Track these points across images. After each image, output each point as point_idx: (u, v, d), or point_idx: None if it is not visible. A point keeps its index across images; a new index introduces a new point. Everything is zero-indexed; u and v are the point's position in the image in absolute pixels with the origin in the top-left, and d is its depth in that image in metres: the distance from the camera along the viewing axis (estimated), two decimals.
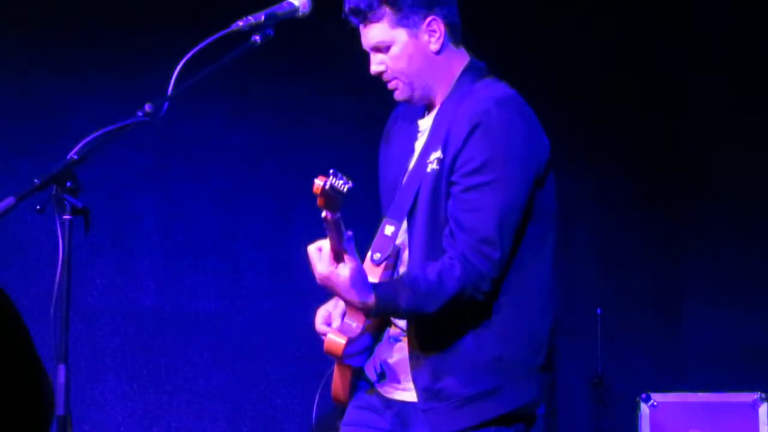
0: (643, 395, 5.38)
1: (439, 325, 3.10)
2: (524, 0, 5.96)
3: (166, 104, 2.98)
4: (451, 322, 3.09)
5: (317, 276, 3.10)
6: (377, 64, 3.22)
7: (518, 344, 3.10)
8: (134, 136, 3.14)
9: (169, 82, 2.99)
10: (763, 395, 5.30)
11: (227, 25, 3.12)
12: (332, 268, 3.05)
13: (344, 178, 2.96)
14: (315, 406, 3.38)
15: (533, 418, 3.14)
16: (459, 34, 3.25)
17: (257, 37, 3.13)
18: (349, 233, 3.06)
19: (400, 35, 3.17)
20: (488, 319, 3.09)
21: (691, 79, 6.11)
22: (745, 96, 6.01)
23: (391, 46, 3.19)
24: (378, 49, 3.21)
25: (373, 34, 3.20)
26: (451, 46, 3.22)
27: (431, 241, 3.13)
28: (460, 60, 3.24)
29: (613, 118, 6.09)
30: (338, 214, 3.03)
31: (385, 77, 3.23)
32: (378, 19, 3.17)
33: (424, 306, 3.04)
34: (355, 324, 3.25)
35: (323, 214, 3.00)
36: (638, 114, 6.13)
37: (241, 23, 3.13)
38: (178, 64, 3.00)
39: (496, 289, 3.06)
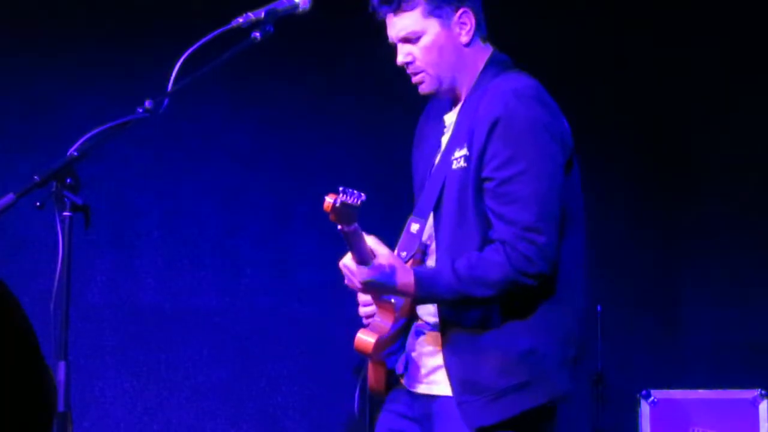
0: (644, 392, 5.38)
1: (473, 315, 3.12)
2: (524, 1, 5.97)
3: (166, 101, 2.98)
4: (484, 313, 3.11)
5: (357, 284, 3.12)
6: (405, 55, 3.22)
7: (551, 337, 3.10)
8: (134, 132, 3.14)
9: (169, 79, 2.99)
10: (764, 392, 5.30)
11: (227, 21, 3.12)
12: (366, 268, 3.09)
13: (355, 192, 2.97)
14: (356, 398, 3.42)
15: (562, 410, 3.16)
16: (485, 28, 3.27)
17: (257, 34, 3.13)
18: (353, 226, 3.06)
19: (433, 25, 3.18)
20: (522, 311, 3.10)
21: (691, 78, 6.11)
22: (745, 96, 6.02)
23: (421, 36, 3.19)
24: (407, 39, 3.21)
25: (404, 23, 3.20)
26: (479, 40, 3.24)
27: (457, 236, 3.15)
28: (484, 53, 3.25)
29: (613, 118, 6.09)
30: (354, 225, 3.04)
31: (410, 69, 3.24)
32: (411, 8, 3.18)
33: (467, 290, 3.05)
34: (386, 323, 3.29)
35: (339, 227, 3.03)
36: (638, 114, 6.13)
37: (241, 20, 3.13)
38: (178, 60, 3.00)
39: (547, 276, 3.05)
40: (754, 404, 5.30)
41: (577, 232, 3.18)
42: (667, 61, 6.11)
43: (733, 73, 6.05)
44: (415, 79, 3.24)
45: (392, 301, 3.26)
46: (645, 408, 5.36)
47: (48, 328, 2.76)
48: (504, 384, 3.08)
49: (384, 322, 3.29)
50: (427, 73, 3.21)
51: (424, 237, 3.25)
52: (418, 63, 3.21)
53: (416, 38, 3.19)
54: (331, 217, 3.00)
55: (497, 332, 3.10)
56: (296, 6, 3.22)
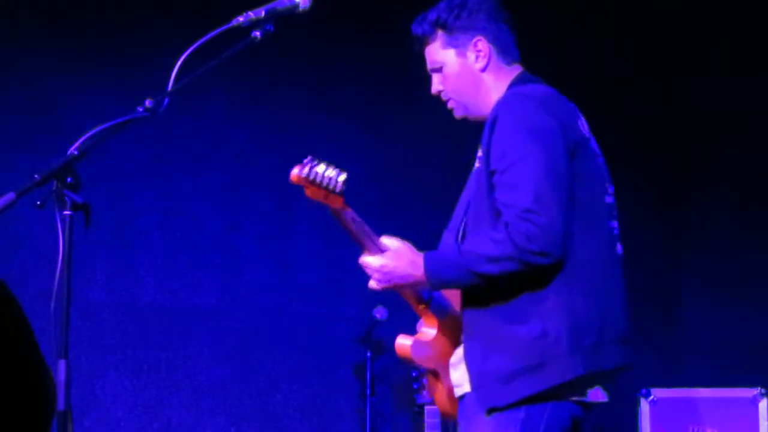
0: (643, 391, 5.38)
1: (488, 305, 3.20)
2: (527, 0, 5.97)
3: (167, 100, 2.98)
4: (498, 300, 3.18)
5: (374, 274, 3.26)
6: (436, 84, 3.46)
7: (563, 321, 3.16)
8: (135, 131, 3.15)
9: (170, 78, 2.99)
10: (763, 391, 5.30)
11: (227, 20, 3.12)
12: (379, 256, 3.24)
13: (320, 168, 3.03)
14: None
15: (578, 395, 3.24)
16: (510, 52, 3.44)
17: (257, 33, 3.14)
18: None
19: (450, 55, 3.42)
20: (535, 296, 3.17)
21: (692, 77, 6.11)
22: (746, 95, 6.02)
23: (443, 66, 3.42)
24: (435, 70, 3.45)
25: (430, 55, 3.44)
26: (501, 64, 3.42)
27: (476, 229, 3.24)
28: (508, 75, 3.42)
29: (614, 117, 6.09)
30: (345, 211, 3.11)
31: (443, 97, 3.46)
32: (433, 41, 3.43)
33: (470, 265, 3.14)
34: (430, 329, 3.38)
35: (330, 210, 3.08)
36: (639, 112, 6.13)
37: (241, 19, 3.13)
38: (178, 59, 3.00)
39: (556, 255, 3.12)
40: (753, 403, 5.30)
41: (595, 221, 3.27)
42: (667, 62, 6.11)
43: (733, 74, 6.05)
44: (448, 106, 3.46)
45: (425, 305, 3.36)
46: (645, 406, 5.36)
47: (48, 327, 2.76)
48: (515, 366, 3.15)
49: (428, 328, 3.35)
50: (454, 100, 3.44)
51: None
52: (445, 91, 3.44)
53: (440, 68, 3.43)
54: (307, 192, 3.09)
55: (510, 318, 3.17)
56: (296, 5, 3.22)
